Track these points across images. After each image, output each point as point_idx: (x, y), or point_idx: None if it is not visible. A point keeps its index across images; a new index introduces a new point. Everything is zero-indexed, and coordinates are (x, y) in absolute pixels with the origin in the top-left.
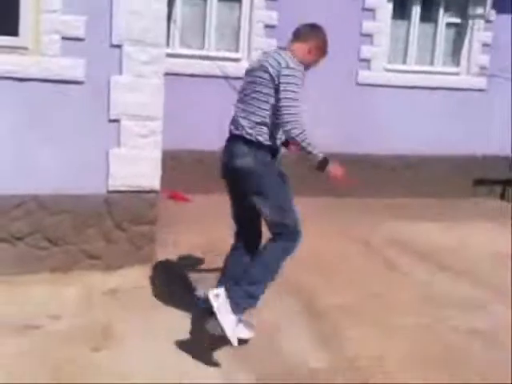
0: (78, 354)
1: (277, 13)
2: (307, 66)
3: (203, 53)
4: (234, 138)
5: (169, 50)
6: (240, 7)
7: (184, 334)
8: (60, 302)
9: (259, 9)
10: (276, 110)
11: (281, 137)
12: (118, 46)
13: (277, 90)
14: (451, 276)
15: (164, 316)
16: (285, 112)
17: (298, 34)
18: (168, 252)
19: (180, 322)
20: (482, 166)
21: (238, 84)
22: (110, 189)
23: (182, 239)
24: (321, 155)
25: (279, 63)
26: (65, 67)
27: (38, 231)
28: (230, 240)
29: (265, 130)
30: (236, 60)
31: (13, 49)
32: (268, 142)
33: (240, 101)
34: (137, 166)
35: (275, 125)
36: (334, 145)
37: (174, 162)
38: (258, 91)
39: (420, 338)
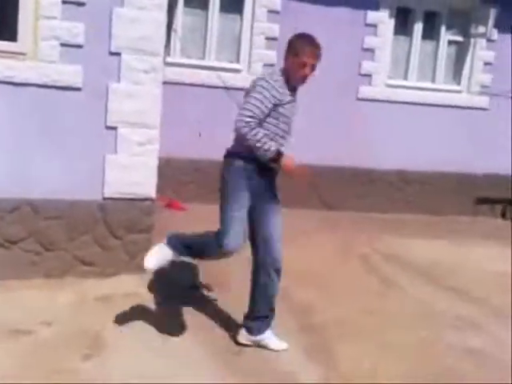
0: (68, 360)
1: (278, 25)
2: (302, 78)
3: (203, 63)
4: None
5: (169, 59)
6: (241, 19)
7: (176, 341)
8: (52, 307)
9: (261, 21)
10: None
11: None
12: (117, 54)
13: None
14: (449, 294)
15: (154, 325)
16: (239, 112)
17: (290, 48)
18: None
19: (172, 331)
20: (483, 185)
21: (238, 95)
22: (106, 195)
23: None
24: (273, 149)
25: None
26: (63, 73)
27: (32, 236)
28: None
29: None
30: (236, 71)
31: (11, 54)
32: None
33: None
34: (133, 174)
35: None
36: (333, 159)
37: (170, 171)
38: None
39: (415, 356)
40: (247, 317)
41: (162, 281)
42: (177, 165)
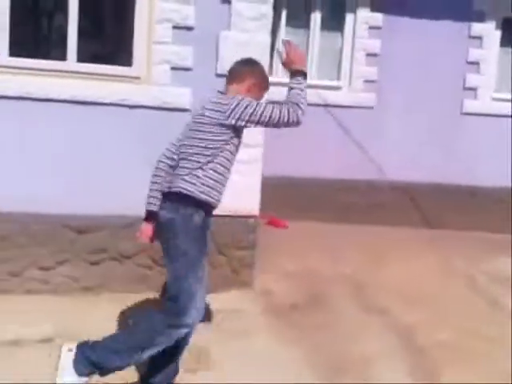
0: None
1: (380, 41)
2: None
3: None
4: None
5: (270, 79)
6: (342, 35)
7: (279, 360)
8: None
9: (362, 37)
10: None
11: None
12: (223, 76)
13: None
14: None
15: (259, 341)
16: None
17: (233, 75)
18: (266, 278)
19: (276, 349)
20: None
21: (338, 112)
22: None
23: (280, 265)
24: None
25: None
26: (173, 95)
27: (144, 251)
28: (327, 268)
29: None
30: (337, 88)
31: (127, 78)
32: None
33: None
34: (238, 192)
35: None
36: (438, 174)
37: (272, 189)
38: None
39: None
40: None
41: (266, 299)
42: (276, 182)
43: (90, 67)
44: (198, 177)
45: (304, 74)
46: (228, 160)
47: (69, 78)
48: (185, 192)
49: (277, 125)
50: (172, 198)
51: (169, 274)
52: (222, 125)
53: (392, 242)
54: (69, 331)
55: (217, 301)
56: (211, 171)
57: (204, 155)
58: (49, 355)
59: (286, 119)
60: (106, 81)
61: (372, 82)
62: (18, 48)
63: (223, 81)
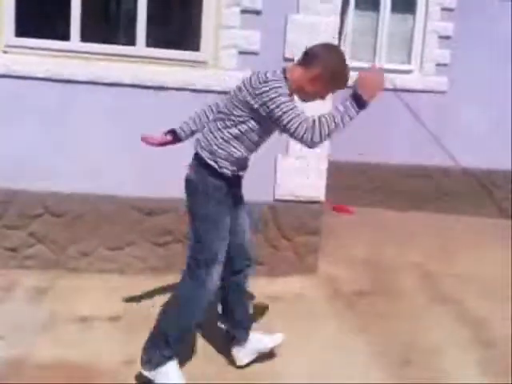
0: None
1: (452, 24)
2: (305, 96)
3: None
4: None
5: None
6: (414, 18)
7: (340, 348)
8: None
9: (434, 20)
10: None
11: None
12: (291, 60)
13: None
14: None
15: (322, 327)
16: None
17: (304, 56)
18: (330, 264)
19: (337, 336)
20: None
21: (408, 97)
22: (277, 197)
23: (344, 252)
24: (350, 113)
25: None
26: (240, 80)
27: None
28: (395, 256)
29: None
30: (407, 72)
31: (194, 63)
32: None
33: None
34: (304, 177)
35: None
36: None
37: (338, 174)
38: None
39: None
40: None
41: (329, 285)
42: (342, 167)
43: (159, 52)
44: (222, 149)
45: (363, 106)
46: (251, 141)
47: (138, 62)
48: (208, 162)
49: (290, 135)
50: (198, 159)
51: (191, 232)
52: (247, 102)
53: (463, 231)
54: (136, 310)
55: (280, 285)
56: (233, 148)
57: (229, 127)
58: (117, 332)
59: (299, 136)
60: (173, 65)
61: (444, 65)
62: (88, 33)
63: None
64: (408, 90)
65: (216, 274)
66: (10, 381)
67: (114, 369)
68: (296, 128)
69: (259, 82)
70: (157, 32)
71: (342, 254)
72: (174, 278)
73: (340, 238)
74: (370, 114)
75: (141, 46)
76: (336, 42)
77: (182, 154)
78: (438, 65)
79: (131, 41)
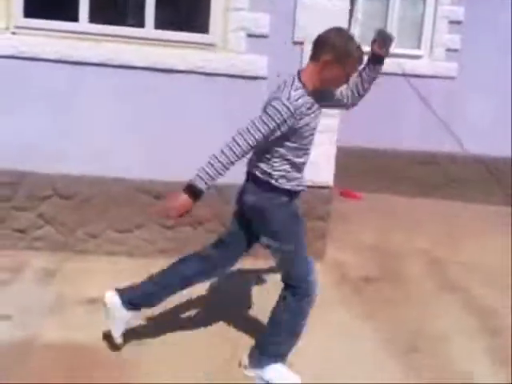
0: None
1: (464, 8)
2: (328, 83)
3: None
4: None
5: None
6: (424, 2)
7: (347, 334)
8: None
9: (444, 4)
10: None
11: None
12: (300, 43)
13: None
14: None
15: (330, 313)
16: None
17: (312, 50)
18: (337, 249)
19: (344, 322)
20: None
21: (418, 82)
22: None
23: (352, 237)
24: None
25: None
26: (249, 63)
27: (216, 218)
28: (403, 242)
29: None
30: (417, 57)
31: (203, 45)
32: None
33: None
34: (312, 162)
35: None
36: None
37: (346, 159)
38: None
39: None
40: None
41: (336, 270)
42: (350, 153)
43: (167, 34)
44: (272, 166)
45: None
46: (287, 151)
47: (146, 44)
48: (264, 179)
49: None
50: (255, 180)
51: (280, 258)
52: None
53: (471, 218)
54: None
55: None
56: (277, 163)
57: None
58: None
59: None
60: (182, 48)
61: (454, 50)
62: (97, 15)
63: (299, 48)
64: (417, 76)
65: (313, 277)
66: (17, 361)
67: (121, 350)
68: (240, 132)
69: (275, 94)
70: (165, 14)
71: (349, 240)
72: None
73: (348, 224)
74: (378, 98)
75: (150, 28)
76: (346, 26)
77: (190, 137)
78: (448, 50)
79: (140, 23)
